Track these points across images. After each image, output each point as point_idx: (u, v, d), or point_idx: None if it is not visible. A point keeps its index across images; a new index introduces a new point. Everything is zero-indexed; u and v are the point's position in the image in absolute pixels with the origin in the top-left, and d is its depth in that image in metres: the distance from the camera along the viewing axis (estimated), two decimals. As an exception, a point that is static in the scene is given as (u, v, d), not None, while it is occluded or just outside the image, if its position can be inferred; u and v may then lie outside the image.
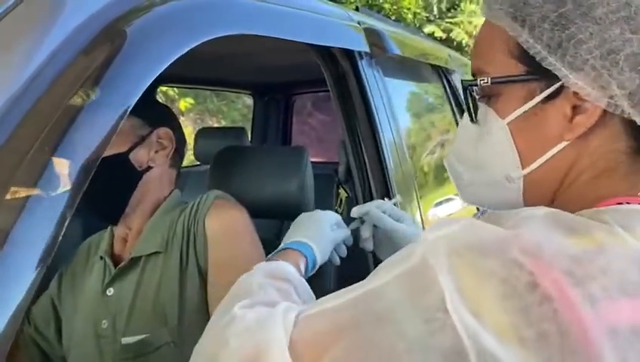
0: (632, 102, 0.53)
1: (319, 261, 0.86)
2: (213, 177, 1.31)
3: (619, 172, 0.56)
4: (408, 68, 2.03)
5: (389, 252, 0.72)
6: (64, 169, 0.52)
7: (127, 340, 0.97)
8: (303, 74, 2.28)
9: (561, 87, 0.55)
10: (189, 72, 2.23)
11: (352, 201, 1.25)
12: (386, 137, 1.40)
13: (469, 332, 0.41)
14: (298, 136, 3.23)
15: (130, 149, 1.02)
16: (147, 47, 0.64)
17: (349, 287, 0.52)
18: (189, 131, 6.93)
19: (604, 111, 0.54)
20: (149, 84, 0.63)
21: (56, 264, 0.79)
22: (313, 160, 3.51)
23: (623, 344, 0.40)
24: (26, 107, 0.51)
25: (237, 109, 6.98)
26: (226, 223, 1.04)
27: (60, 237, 0.51)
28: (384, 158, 1.35)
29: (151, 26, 0.65)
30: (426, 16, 9.85)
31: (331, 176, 1.64)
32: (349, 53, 1.29)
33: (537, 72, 0.56)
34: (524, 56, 0.57)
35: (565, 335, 0.40)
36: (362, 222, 0.99)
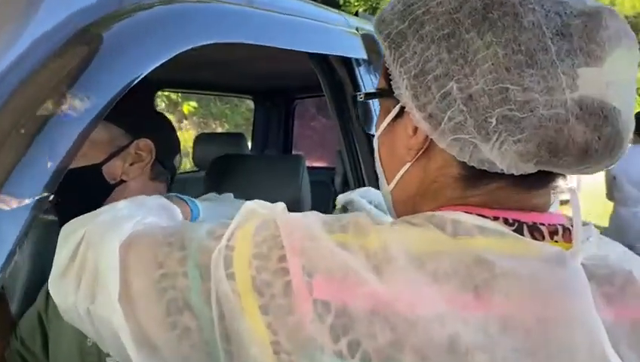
0: (432, 126, 0.52)
1: (200, 221, 0.91)
2: (208, 186, 1.29)
3: (447, 194, 0.55)
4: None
5: None
6: (28, 176, 0.51)
7: (111, 359, 0.94)
8: (304, 79, 2.25)
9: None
10: (190, 77, 2.21)
11: (349, 211, 1.22)
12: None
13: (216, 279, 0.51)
14: (299, 141, 3.21)
15: (105, 161, 0.98)
16: (126, 52, 0.60)
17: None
18: (192, 135, 6.94)
19: None
20: (124, 92, 0.60)
21: (44, 277, 0.76)
22: (314, 165, 3.50)
23: (322, 312, 0.47)
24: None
25: (240, 113, 6.97)
26: None
27: (20, 246, 0.50)
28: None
29: (132, 31, 0.62)
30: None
31: (329, 185, 1.61)
32: (345, 60, 1.26)
33: (390, 89, 0.56)
34: (386, 72, 0.57)
35: (288, 289, 0.48)
36: (346, 210, 0.99)
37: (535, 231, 0.52)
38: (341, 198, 1.00)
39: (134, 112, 1.04)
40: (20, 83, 0.51)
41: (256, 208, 0.57)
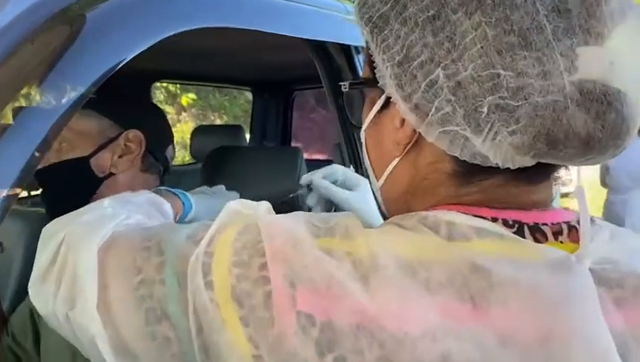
0: (419, 118, 0.48)
1: (192, 216, 0.90)
2: (204, 178, 1.26)
3: (440, 192, 0.52)
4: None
5: None
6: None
7: None
8: (304, 70, 2.21)
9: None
10: (188, 68, 2.17)
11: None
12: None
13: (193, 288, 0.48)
14: (298, 133, 3.17)
15: (93, 153, 0.95)
16: (109, 35, 0.57)
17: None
18: (190, 127, 6.88)
19: None
20: (104, 79, 0.56)
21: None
22: (314, 158, 3.47)
23: (305, 325, 0.43)
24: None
25: (239, 105, 6.93)
26: None
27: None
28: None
29: (115, 11, 0.58)
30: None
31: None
32: (344, 48, 1.22)
33: (375, 78, 0.52)
34: (370, 60, 0.53)
35: (269, 300, 0.45)
36: (310, 189, 0.95)
37: (537, 233, 0.48)
38: (304, 179, 0.96)
39: (124, 103, 1.00)
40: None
41: (240, 209, 0.54)
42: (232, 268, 0.46)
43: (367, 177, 0.61)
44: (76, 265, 0.55)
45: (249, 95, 3.16)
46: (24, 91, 0.48)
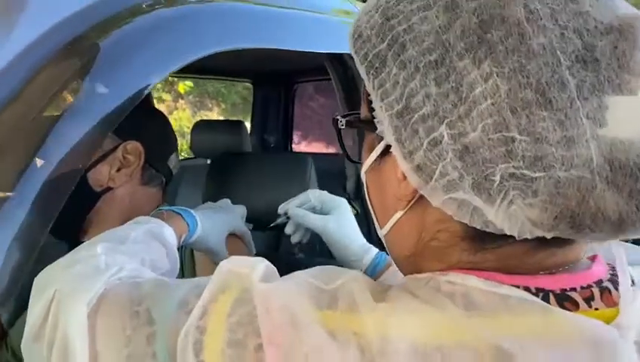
0: (421, 180, 0.43)
1: (198, 235, 0.85)
2: (209, 186, 1.21)
3: (452, 256, 0.46)
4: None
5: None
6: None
7: None
8: (305, 61, 2.16)
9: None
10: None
11: (362, 219, 1.14)
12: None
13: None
14: (300, 126, 3.12)
15: (90, 167, 0.90)
16: (126, 65, 0.52)
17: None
18: (188, 115, 6.81)
19: None
20: (126, 111, 0.52)
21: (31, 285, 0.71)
22: (317, 152, 3.41)
23: None
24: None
25: (237, 92, 6.84)
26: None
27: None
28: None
29: (132, 39, 0.53)
30: None
31: (337, 175, 1.52)
32: None
33: (373, 122, 0.47)
34: (367, 98, 0.48)
35: None
36: (288, 218, 0.95)
37: (566, 301, 0.41)
38: (280, 208, 0.95)
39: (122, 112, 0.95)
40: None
41: (234, 269, 0.48)
42: (226, 349, 0.42)
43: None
44: (67, 330, 0.51)
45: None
46: (29, 139, 0.44)
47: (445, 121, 0.39)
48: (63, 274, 0.57)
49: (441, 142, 0.40)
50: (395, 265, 0.84)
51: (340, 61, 1.11)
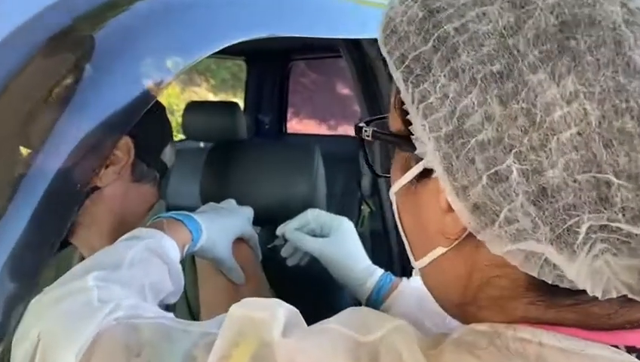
0: (478, 223, 0.34)
1: (203, 243, 0.76)
2: (207, 177, 1.13)
3: (513, 309, 0.37)
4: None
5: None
6: None
7: None
8: (300, 38, 2.06)
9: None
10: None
11: (377, 218, 1.06)
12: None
13: None
14: (295, 106, 3.03)
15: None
16: (125, 62, 0.44)
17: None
18: (176, 92, 6.65)
19: None
20: (136, 117, 0.43)
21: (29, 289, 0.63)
22: (314, 133, 3.33)
23: None
24: None
25: (226, 67, 6.69)
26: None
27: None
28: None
29: (132, 29, 0.45)
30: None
31: (349, 161, 1.43)
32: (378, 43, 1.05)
33: (408, 135, 0.38)
34: (402, 109, 0.39)
35: None
36: (286, 240, 0.89)
37: None
38: (278, 230, 0.89)
39: None
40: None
41: (249, 315, 0.40)
42: None
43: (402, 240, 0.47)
44: None
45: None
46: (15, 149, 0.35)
47: (513, 151, 0.31)
48: (49, 311, 0.49)
49: (507, 178, 0.31)
50: (402, 285, 0.78)
51: (356, 44, 1.01)
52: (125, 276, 0.57)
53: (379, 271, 0.82)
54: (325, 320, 0.40)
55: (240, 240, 0.86)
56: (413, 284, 0.79)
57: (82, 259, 0.94)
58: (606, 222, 0.29)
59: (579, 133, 0.29)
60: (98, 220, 0.86)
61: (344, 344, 0.37)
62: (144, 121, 0.90)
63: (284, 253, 0.91)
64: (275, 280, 0.92)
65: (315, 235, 0.87)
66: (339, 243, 0.82)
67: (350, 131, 3.46)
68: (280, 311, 0.40)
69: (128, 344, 0.44)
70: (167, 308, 0.79)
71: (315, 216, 0.87)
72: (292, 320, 0.41)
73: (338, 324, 0.39)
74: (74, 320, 0.47)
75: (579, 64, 0.29)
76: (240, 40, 0.54)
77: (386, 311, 0.77)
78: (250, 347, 0.37)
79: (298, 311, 0.43)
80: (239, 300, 0.85)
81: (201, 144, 2.47)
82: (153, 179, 0.93)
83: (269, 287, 0.91)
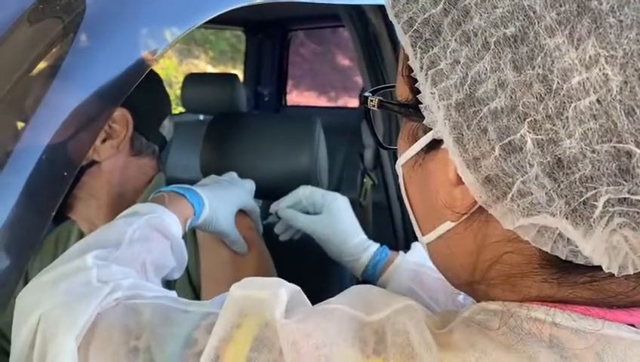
0: (490, 196, 0.32)
1: (206, 216, 0.75)
2: (206, 150, 1.11)
3: (525, 287, 0.36)
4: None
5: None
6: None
7: None
8: (300, 8, 2.01)
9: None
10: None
11: (380, 189, 1.04)
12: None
13: None
14: (295, 78, 2.99)
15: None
16: (117, 27, 0.42)
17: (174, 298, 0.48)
18: (175, 63, 6.57)
19: None
20: (129, 87, 0.41)
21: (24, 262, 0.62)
22: (313, 105, 3.29)
23: None
24: None
25: (225, 39, 6.58)
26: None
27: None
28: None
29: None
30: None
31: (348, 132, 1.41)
32: (382, 10, 1.02)
33: (417, 104, 0.36)
34: (410, 76, 0.36)
35: None
36: (279, 217, 0.90)
37: None
38: (272, 208, 0.89)
39: None
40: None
41: (250, 295, 0.38)
42: None
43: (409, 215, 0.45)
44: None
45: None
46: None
47: (527, 120, 0.29)
48: (49, 293, 0.47)
49: (521, 148, 0.29)
50: (398, 260, 0.77)
51: (358, 12, 0.98)
52: (126, 254, 0.55)
53: (374, 246, 0.81)
54: (329, 300, 0.39)
55: (241, 212, 0.85)
56: (410, 259, 0.78)
57: (81, 233, 0.93)
58: (626, 195, 0.28)
59: (598, 101, 0.27)
60: (97, 194, 0.85)
61: (348, 325, 0.35)
62: (142, 93, 0.88)
63: (277, 229, 0.91)
64: (275, 253, 0.92)
65: (308, 212, 0.86)
66: (330, 219, 0.82)
67: (351, 103, 3.43)
68: (282, 291, 0.38)
69: (128, 327, 0.43)
70: (169, 283, 0.78)
71: (307, 193, 0.86)
72: (294, 299, 0.39)
73: (342, 304, 0.38)
74: (73, 302, 0.45)
75: (600, 26, 0.27)
76: (238, 5, 0.51)
77: (383, 286, 0.77)
78: (252, 328, 0.36)
79: (300, 289, 0.41)
80: (241, 272, 0.84)
81: (201, 117, 2.45)
82: (152, 153, 0.91)
83: (271, 259, 0.91)
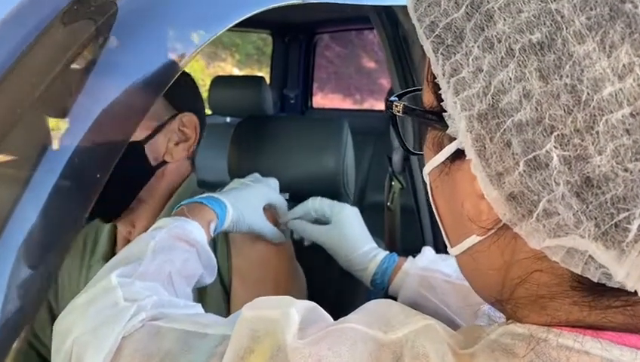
0: (514, 214, 0.30)
1: (232, 218, 0.75)
2: (234, 153, 1.11)
3: (555, 309, 0.33)
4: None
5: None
6: None
7: None
8: (327, 11, 2.01)
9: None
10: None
11: (408, 194, 1.03)
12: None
13: None
14: (320, 80, 2.98)
15: (148, 138, 0.80)
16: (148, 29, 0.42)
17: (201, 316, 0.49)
18: (202, 66, 6.65)
19: None
20: (162, 88, 0.41)
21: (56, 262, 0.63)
22: (340, 108, 3.29)
23: None
24: None
25: (252, 42, 6.63)
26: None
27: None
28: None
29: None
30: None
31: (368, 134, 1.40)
32: None
33: (441, 111, 0.34)
34: (434, 83, 0.35)
35: None
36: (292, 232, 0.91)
37: None
38: (282, 218, 0.89)
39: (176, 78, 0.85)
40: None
41: (261, 316, 0.38)
42: None
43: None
44: None
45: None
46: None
47: (554, 134, 0.27)
48: (80, 317, 0.50)
49: (547, 165, 0.27)
50: (407, 266, 0.75)
51: (388, 13, 0.97)
52: (149, 268, 0.56)
53: (381, 254, 0.80)
54: (345, 318, 0.38)
55: (266, 211, 0.85)
56: (419, 263, 0.76)
57: (113, 234, 0.94)
58: None
59: (632, 114, 0.25)
60: (155, 195, 0.87)
61: (364, 346, 0.34)
62: (199, 98, 0.91)
63: (295, 236, 0.91)
64: (302, 255, 0.92)
65: (319, 222, 0.86)
66: (339, 229, 0.82)
67: (376, 106, 3.41)
68: (292, 310, 0.38)
69: (150, 353, 0.44)
70: (200, 288, 0.79)
71: (315, 204, 0.87)
72: (309, 316, 0.39)
73: (359, 323, 0.36)
74: (100, 326, 0.47)
75: (635, 31, 0.25)
76: (268, 6, 0.51)
77: (395, 294, 0.76)
78: (265, 354, 0.35)
79: (316, 304, 0.41)
80: (272, 270, 0.84)
81: (227, 119, 2.46)
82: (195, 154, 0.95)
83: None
